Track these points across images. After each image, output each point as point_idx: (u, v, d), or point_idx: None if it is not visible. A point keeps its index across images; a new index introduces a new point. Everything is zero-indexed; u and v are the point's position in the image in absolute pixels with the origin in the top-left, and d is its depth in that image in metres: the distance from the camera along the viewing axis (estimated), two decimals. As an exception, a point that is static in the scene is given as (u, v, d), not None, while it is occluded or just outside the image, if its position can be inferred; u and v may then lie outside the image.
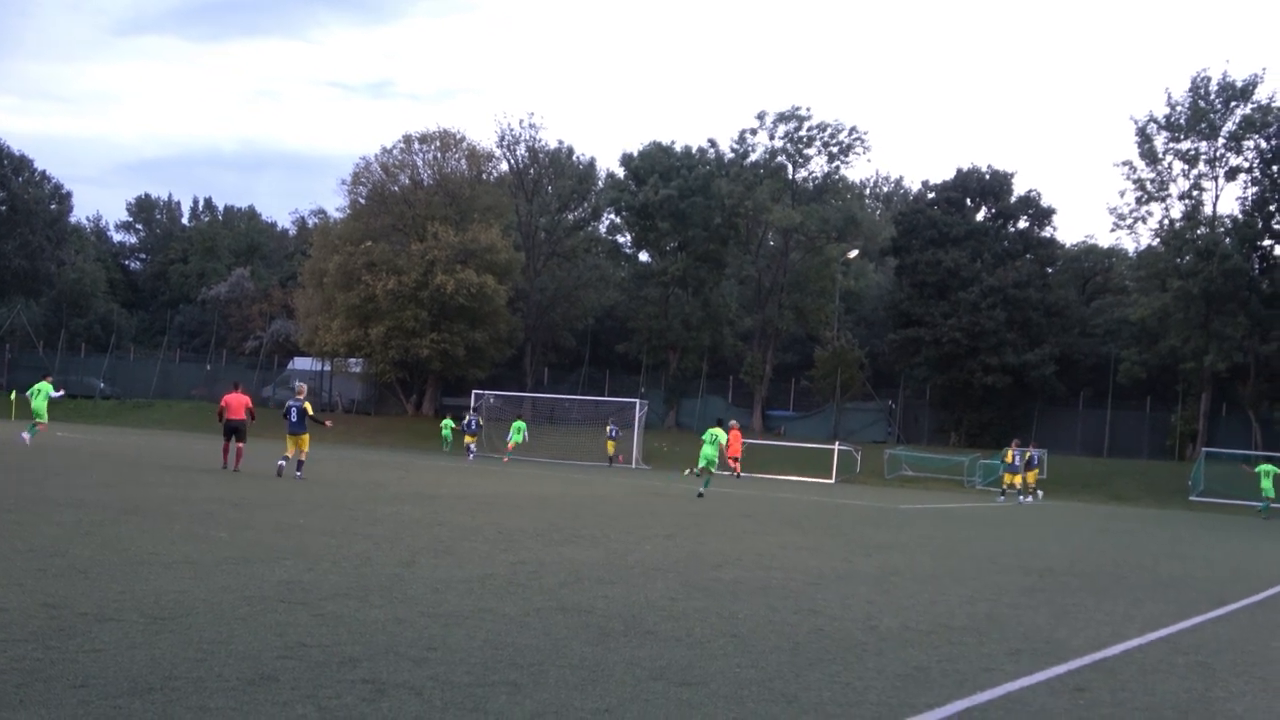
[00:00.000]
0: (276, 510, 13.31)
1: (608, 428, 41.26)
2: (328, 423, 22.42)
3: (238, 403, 20.85)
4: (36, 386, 26.11)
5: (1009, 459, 33.60)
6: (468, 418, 40.93)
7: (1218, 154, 43.92)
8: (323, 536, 10.82)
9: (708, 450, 23.73)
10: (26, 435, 24.90)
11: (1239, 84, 43.18)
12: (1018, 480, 33.54)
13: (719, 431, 24.38)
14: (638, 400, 42.74)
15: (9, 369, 63.10)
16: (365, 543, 10.52)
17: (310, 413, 20.54)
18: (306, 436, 20.23)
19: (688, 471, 26.72)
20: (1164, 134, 44.10)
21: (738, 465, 30.79)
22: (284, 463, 19.71)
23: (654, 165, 53.13)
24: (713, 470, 24.05)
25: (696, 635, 6.91)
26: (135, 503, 13.09)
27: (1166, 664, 7.10)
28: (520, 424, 38.49)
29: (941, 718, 5.27)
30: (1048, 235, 52.64)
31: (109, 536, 9.83)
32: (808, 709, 5.25)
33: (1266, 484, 30.55)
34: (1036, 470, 35.10)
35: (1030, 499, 33.22)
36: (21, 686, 4.69)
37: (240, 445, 20.48)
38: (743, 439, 32.70)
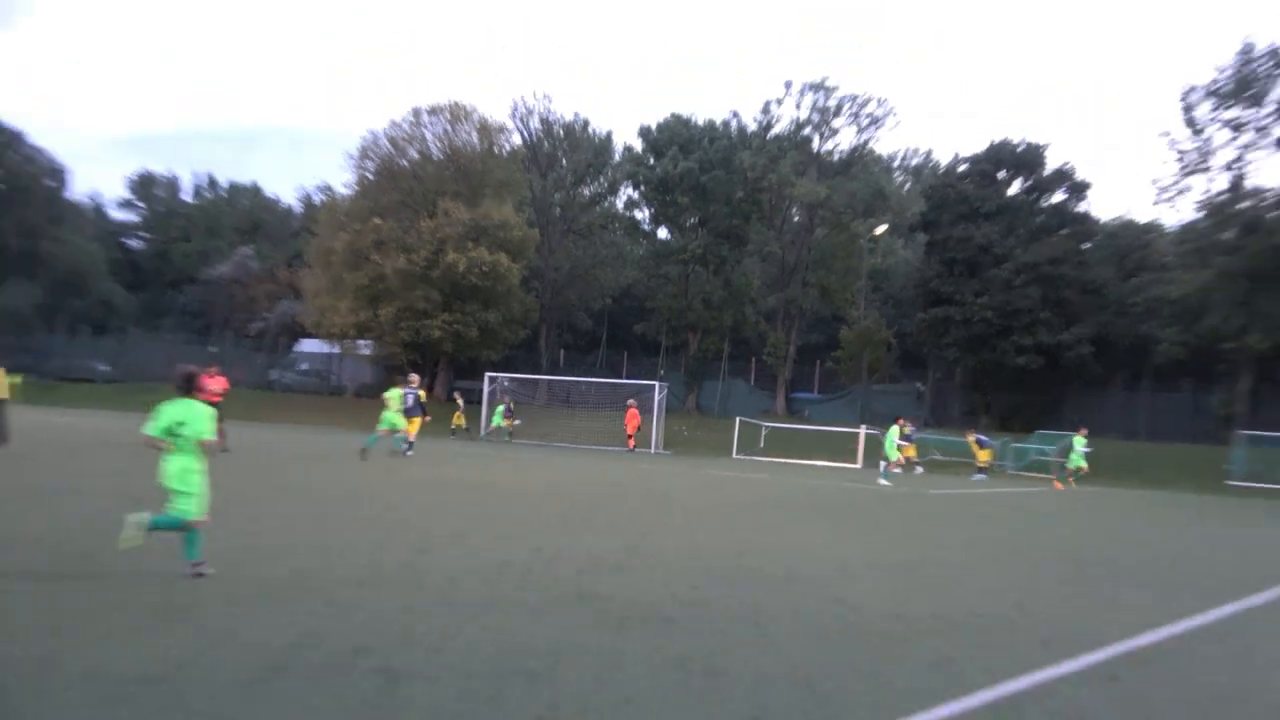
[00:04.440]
0: (287, 497, 13.30)
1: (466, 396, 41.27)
2: (427, 417, 24.45)
3: (213, 384, 21.87)
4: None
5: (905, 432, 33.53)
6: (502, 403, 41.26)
7: (1264, 123, 42.71)
8: (335, 523, 10.78)
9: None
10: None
11: (1288, 50, 41.96)
12: (912, 451, 33.88)
13: None
14: (657, 383, 41.86)
15: (9, 352, 62.76)
16: (378, 529, 10.45)
17: (423, 400, 23.57)
18: (419, 420, 23.28)
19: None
20: (1209, 102, 42.92)
21: (631, 441, 36.68)
22: (407, 447, 22.75)
23: (673, 138, 51.41)
24: None
25: (718, 624, 6.79)
26: (142, 490, 13.06)
27: (1201, 654, 6.90)
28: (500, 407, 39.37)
29: (970, 708, 5.12)
30: (1083, 210, 50.90)
31: (116, 525, 9.79)
32: (831, 698, 5.12)
33: None
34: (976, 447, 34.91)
35: (904, 469, 33.43)
36: (34, 676, 4.67)
37: (221, 425, 21.28)
38: (639, 418, 37.75)
